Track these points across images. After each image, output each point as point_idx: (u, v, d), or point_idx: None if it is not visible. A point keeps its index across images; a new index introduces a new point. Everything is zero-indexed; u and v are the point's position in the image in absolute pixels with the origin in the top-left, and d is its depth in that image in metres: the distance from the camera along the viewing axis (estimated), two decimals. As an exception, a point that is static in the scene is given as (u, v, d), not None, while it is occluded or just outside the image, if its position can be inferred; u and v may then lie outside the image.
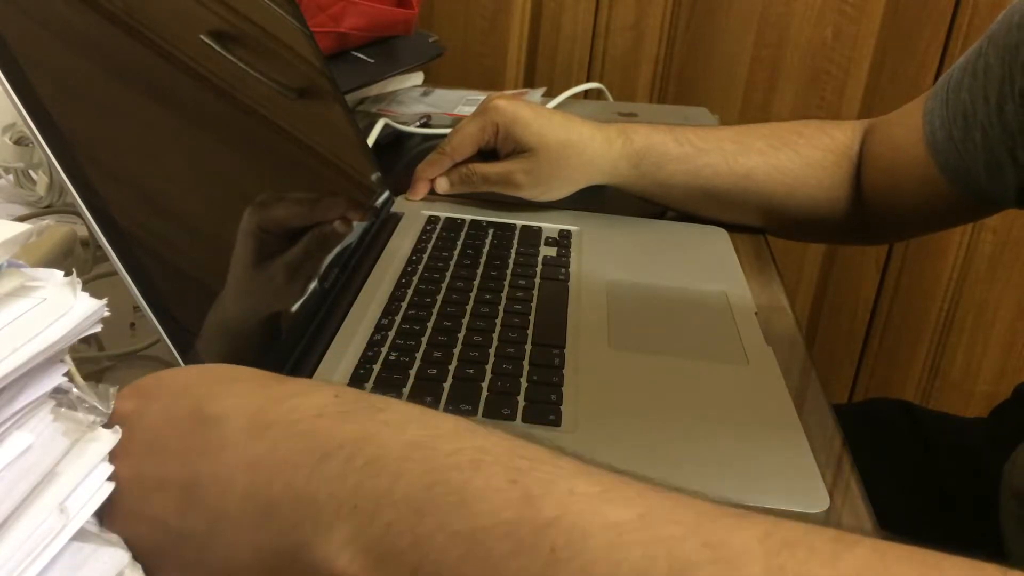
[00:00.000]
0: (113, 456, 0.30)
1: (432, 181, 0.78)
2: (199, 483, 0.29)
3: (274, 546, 0.27)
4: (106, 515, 0.29)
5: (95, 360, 0.53)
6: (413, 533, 0.26)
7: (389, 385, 0.50)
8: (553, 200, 0.76)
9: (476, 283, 0.63)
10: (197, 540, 0.29)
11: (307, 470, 0.28)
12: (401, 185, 0.79)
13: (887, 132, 0.71)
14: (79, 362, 0.30)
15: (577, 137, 0.73)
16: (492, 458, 0.27)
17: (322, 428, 0.29)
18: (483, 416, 0.48)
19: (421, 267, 0.65)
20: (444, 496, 0.26)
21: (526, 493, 0.25)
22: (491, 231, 0.72)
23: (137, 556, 0.29)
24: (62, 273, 0.29)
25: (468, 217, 0.74)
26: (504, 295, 0.61)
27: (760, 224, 0.77)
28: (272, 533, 0.27)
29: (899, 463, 0.73)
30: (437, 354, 0.53)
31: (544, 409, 0.49)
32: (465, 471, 0.26)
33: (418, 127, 0.96)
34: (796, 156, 0.73)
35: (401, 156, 0.91)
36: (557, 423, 0.48)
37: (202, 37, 0.54)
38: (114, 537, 0.29)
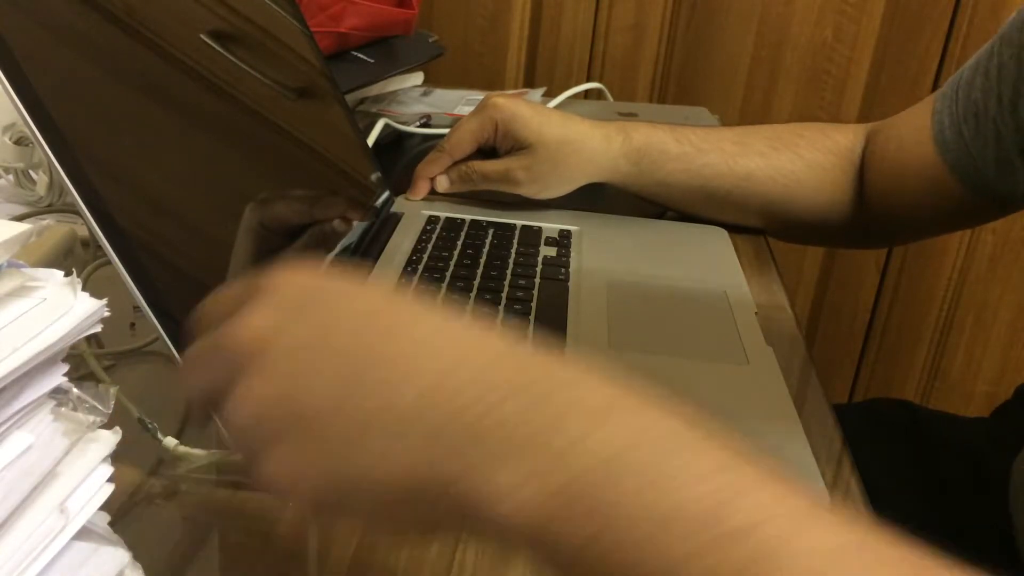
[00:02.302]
0: (252, 374, 0.28)
1: (432, 180, 0.78)
2: (363, 381, 0.27)
3: (430, 467, 0.26)
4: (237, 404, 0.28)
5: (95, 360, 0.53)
6: (616, 489, 0.24)
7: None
8: (552, 198, 0.76)
9: (476, 283, 0.63)
10: (343, 444, 0.27)
11: (496, 399, 0.26)
12: (401, 185, 0.78)
13: (894, 133, 0.71)
14: (78, 361, 0.30)
15: (576, 134, 0.73)
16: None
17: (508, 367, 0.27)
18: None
19: (421, 267, 0.65)
20: (639, 462, 0.24)
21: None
22: (491, 231, 0.72)
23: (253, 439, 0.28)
24: (62, 273, 0.29)
25: (468, 217, 0.74)
26: (504, 295, 0.61)
27: (760, 225, 0.77)
28: (434, 453, 0.26)
29: (899, 463, 0.73)
30: (437, 354, 0.53)
31: (544, 409, 0.49)
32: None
33: (418, 127, 0.96)
34: (797, 158, 0.73)
35: (401, 156, 0.91)
36: (557, 423, 0.48)
37: (202, 37, 0.54)
38: (115, 537, 0.29)
